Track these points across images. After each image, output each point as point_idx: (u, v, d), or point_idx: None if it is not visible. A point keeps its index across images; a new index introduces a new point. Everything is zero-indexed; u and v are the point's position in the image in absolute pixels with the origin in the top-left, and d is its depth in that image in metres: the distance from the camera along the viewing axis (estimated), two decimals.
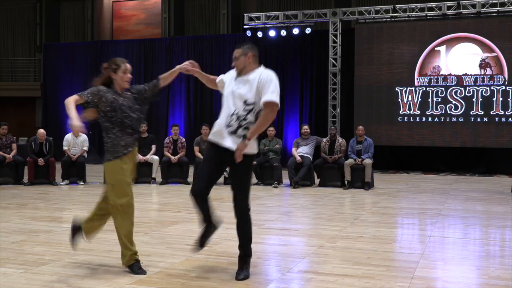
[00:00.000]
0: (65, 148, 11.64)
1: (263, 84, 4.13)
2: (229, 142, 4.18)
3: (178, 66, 4.71)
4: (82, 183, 11.49)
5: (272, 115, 4.13)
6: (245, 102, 4.16)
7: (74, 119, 4.20)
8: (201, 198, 4.32)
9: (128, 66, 4.52)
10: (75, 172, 11.59)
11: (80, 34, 20.71)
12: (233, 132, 4.18)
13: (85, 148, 11.80)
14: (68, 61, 19.44)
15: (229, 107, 4.23)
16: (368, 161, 10.85)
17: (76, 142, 11.73)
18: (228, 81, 4.38)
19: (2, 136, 11.41)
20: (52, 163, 11.37)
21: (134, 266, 4.38)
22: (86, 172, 11.84)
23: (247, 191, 4.30)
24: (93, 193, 10.18)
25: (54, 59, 19.66)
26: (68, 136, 11.78)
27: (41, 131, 11.64)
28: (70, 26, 20.88)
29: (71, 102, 4.31)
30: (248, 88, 4.18)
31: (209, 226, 4.48)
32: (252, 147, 4.25)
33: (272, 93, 4.10)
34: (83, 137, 11.87)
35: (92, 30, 20.38)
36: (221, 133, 4.23)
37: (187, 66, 4.66)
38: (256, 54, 4.33)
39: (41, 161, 11.21)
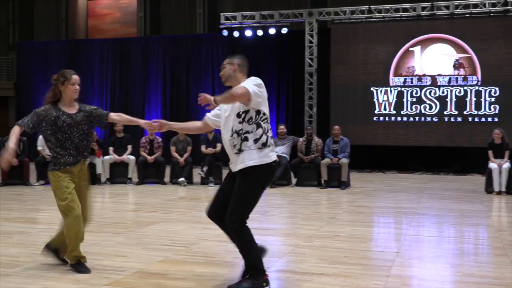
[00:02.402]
0: (39, 148, 11.48)
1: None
2: (239, 163, 4.01)
3: (143, 121, 4.63)
4: None
5: (238, 92, 3.86)
6: (238, 115, 4.00)
7: (8, 150, 4.28)
8: (214, 219, 4.17)
9: (77, 77, 4.53)
10: None
11: (54, 32, 20.44)
12: (240, 150, 3.99)
13: None
14: (42, 60, 19.16)
15: (228, 128, 4.06)
16: (344, 161, 10.92)
17: None
18: (223, 108, 4.17)
19: None
20: (26, 163, 11.20)
21: (77, 265, 4.49)
22: None
23: (241, 208, 3.97)
24: None
25: (28, 58, 19.36)
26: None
27: None
28: (44, 25, 20.58)
29: (14, 133, 4.40)
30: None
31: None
32: (250, 157, 3.99)
33: (246, 83, 3.96)
34: None
35: (66, 28, 20.14)
36: (232, 160, 4.07)
37: (155, 125, 4.47)
38: (243, 64, 4.17)
39: (15, 161, 11.04)
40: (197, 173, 11.38)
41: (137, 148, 11.96)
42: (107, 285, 4.10)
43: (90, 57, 18.75)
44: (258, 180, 4.02)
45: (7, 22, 20.53)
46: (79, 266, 4.47)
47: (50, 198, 9.42)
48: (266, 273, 4.02)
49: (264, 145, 4.03)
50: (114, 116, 4.66)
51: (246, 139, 4.00)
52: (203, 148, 11.44)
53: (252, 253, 4.00)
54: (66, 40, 19.52)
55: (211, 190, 10.57)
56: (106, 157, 11.41)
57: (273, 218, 7.53)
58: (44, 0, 20.43)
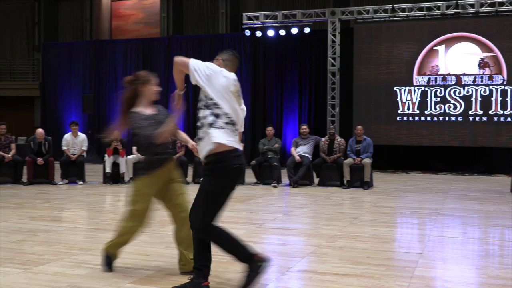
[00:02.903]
0: (64, 148, 11.64)
1: None
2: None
3: (191, 143, 4.41)
4: (81, 182, 11.49)
5: (179, 60, 3.87)
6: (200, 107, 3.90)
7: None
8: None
9: (157, 80, 4.47)
10: (74, 171, 11.59)
11: (78, 33, 20.69)
12: (199, 139, 3.85)
13: (84, 147, 11.81)
14: (67, 60, 19.43)
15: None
16: (367, 161, 10.85)
17: (75, 142, 11.73)
18: None
19: (1, 136, 11.40)
20: (51, 162, 11.36)
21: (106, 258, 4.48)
22: (85, 172, 11.83)
23: (204, 209, 3.81)
24: (92, 192, 10.18)
25: (53, 58, 19.65)
26: (67, 136, 11.79)
27: (40, 130, 11.62)
28: (68, 26, 20.85)
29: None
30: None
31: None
32: (203, 147, 3.81)
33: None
34: (82, 136, 11.88)
35: (90, 29, 20.36)
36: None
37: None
38: (229, 59, 4.09)
39: (40, 160, 11.20)
40: None
41: None
42: (130, 284, 4.13)
43: (113, 57, 18.95)
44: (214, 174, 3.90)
45: (33, 23, 20.83)
46: (107, 259, 4.47)
47: (74, 197, 9.58)
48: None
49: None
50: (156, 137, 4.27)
51: (200, 127, 3.84)
52: None
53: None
54: (90, 41, 19.73)
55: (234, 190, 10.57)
56: (130, 157, 11.51)
57: (295, 218, 7.52)
58: (69, 1, 20.69)
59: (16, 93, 20.50)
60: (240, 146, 3.90)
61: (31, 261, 4.77)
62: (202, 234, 3.87)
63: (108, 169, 11.45)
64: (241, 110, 3.98)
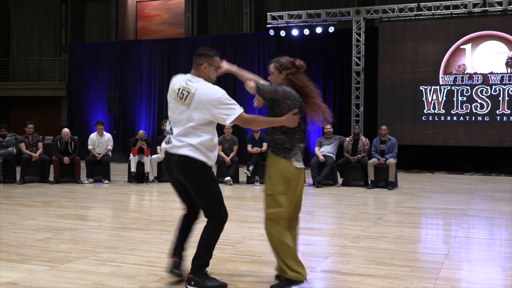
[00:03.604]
0: (90, 147, 11.78)
1: None
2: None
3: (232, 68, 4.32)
4: (106, 181, 11.61)
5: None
6: None
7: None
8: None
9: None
10: (99, 171, 11.72)
11: (104, 34, 20.91)
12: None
13: (110, 147, 11.94)
14: (93, 60, 19.67)
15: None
16: (392, 161, 10.77)
17: (100, 141, 11.86)
18: None
19: (28, 135, 11.59)
20: (77, 161, 11.50)
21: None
22: (110, 171, 11.96)
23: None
24: (117, 191, 10.28)
25: (79, 59, 19.90)
26: (93, 136, 11.93)
27: (65, 130, 11.78)
28: (94, 26, 21.09)
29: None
30: None
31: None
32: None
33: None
34: (108, 136, 12.01)
35: (116, 30, 20.56)
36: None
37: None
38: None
39: (66, 159, 11.36)
40: (243, 172, 11.44)
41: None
42: (154, 282, 4.16)
43: (138, 57, 19.11)
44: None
45: (60, 24, 21.11)
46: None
47: (100, 195, 9.69)
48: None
49: None
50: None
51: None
52: (249, 147, 11.50)
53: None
54: (116, 41, 19.93)
55: (257, 189, 10.60)
56: (154, 156, 11.60)
57: (319, 218, 7.49)
58: (95, 2, 20.92)
59: (43, 93, 20.80)
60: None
61: (58, 259, 4.84)
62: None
63: (133, 169, 11.55)
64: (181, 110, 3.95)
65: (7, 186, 10.83)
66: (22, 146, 11.48)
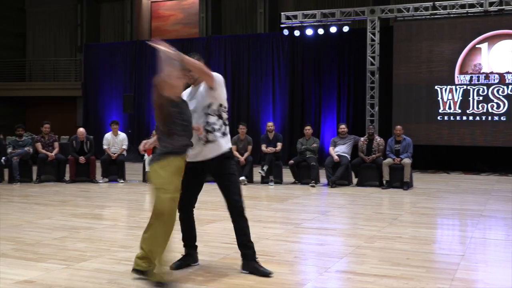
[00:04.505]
0: (105, 147, 11.85)
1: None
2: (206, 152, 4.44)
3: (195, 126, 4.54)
4: (121, 181, 11.67)
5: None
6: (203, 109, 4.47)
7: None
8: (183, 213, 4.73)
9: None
10: (115, 170, 11.79)
11: (119, 34, 21.03)
12: (207, 141, 4.43)
13: (125, 146, 12.00)
14: (108, 61, 19.78)
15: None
16: (407, 161, 10.70)
17: (115, 141, 11.93)
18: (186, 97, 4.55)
19: (44, 135, 11.69)
20: (92, 161, 11.58)
21: None
22: (125, 171, 12.02)
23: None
24: (132, 191, 10.33)
25: (94, 59, 20.04)
26: (108, 135, 11.99)
27: (81, 129, 11.85)
28: (109, 27, 21.23)
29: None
30: (201, 96, 4.54)
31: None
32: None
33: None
34: (123, 136, 12.07)
35: (131, 30, 20.66)
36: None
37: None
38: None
39: (82, 159, 11.44)
40: (258, 172, 11.45)
41: None
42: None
43: (153, 57, 19.09)
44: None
45: (76, 25, 21.27)
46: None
47: (115, 195, 9.74)
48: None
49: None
50: None
51: (209, 131, 4.50)
52: (263, 147, 11.50)
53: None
54: (131, 42, 20.03)
55: (271, 189, 10.60)
56: None
57: (334, 218, 7.47)
58: (110, 3, 21.05)
59: (59, 93, 20.96)
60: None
61: (73, 258, 4.88)
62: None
63: (147, 168, 11.55)
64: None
65: (24, 185, 10.93)
66: (39, 145, 11.58)
